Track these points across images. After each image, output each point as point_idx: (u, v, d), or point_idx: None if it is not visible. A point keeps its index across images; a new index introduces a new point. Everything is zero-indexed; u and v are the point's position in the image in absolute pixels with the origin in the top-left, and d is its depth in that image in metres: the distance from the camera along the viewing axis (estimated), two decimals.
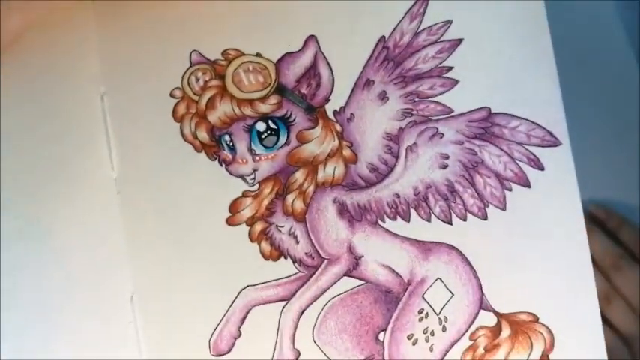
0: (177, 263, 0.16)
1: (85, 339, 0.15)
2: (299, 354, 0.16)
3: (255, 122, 0.16)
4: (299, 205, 0.16)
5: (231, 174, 0.16)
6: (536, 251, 0.16)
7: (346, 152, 0.16)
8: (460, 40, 0.16)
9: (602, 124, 0.40)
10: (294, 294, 0.16)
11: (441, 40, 0.16)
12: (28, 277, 0.15)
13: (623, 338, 0.36)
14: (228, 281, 0.16)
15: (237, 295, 0.16)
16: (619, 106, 0.40)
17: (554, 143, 0.16)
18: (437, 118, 0.16)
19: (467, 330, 0.16)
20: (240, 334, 0.16)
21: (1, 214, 0.15)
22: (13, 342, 0.15)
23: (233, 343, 0.16)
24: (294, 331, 0.16)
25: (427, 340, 0.16)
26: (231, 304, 0.16)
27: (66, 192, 0.15)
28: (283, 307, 0.16)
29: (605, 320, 0.36)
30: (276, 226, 0.16)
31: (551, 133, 0.16)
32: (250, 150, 0.16)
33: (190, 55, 0.16)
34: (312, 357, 0.16)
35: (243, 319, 0.16)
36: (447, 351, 0.16)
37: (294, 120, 0.16)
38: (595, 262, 0.37)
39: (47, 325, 0.15)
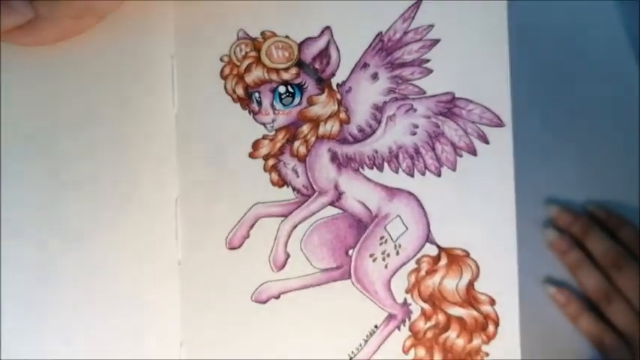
0: (212, 178, 0.22)
1: (122, 234, 0.22)
2: (289, 256, 0.22)
3: (278, 85, 0.22)
4: (302, 150, 0.22)
5: (256, 121, 0.22)
6: (474, 204, 0.21)
7: (342, 115, 0.22)
8: (437, 40, 0.22)
9: (602, 124, 0.40)
10: (290, 213, 0.22)
11: (423, 38, 0.22)
12: (87, 165, 0.22)
13: (623, 338, 0.37)
14: (244, 197, 0.22)
15: (250, 208, 0.22)
16: (619, 106, 0.40)
17: (499, 124, 0.21)
18: (413, 97, 0.22)
19: (414, 256, 0.22)
20: (249, 235, 0.22)
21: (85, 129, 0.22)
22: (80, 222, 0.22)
23: (242, 242, 0.22)
24: (287, 240, 0.22)
25: (384, 260, 0.22)
26: (245, 214, 0.22)
27: (136, 118, 0.22)
28: (282, 221, 0.22)
29: (606, 320, 0.38)
30: (284, 162, 0.22)
31: (498, 117, 0.21)
32: (272, 105, 0.22)
33: (238, 32, 0.22)
34: (298, 260, 0.22)
35: (252, 225, 0.22)
36: (397, 269, 0.22)
37: (307, 87, 0.22)
38: (595, 262, 0.39)
39: (98, 216, 0.22)
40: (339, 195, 0.22)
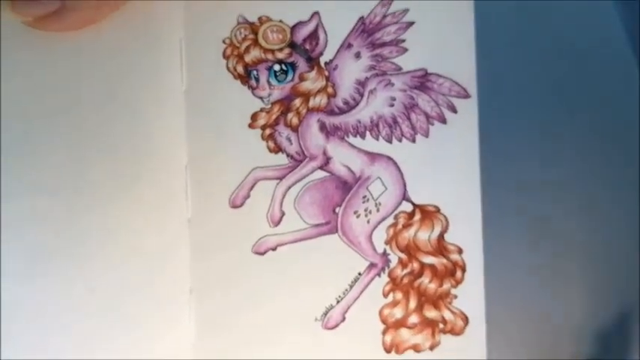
0: (217, 146, 0.25)
1: (139, 195, 0.25)
2: (284, 213, 0.25)
3: (273, 64, 0.25)
4: (295, 121, 0.25)
5: (254, 96, 0.25)
6: (444, 166, 0.24)
7: (329, 89, 0.25)
8: (412, 23, 0.24)
9: (602, 124, 0.41)
10: (285, 176, 0.25)
11: (400, 21, 0.25)
12: (108, 135, 0.25)
13: None
14: (245, 162, 0.25)
15: (250, 172, 0.25)
16: (619, 106, 0.41)
17: (466, 96, 0.24)
18: (391, 73, 0.25)
19: (392, 212, 0.25)
20: (249, 196, 0.25)
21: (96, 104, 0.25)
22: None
23: (244, 201, 0.25)
24: (282, 199, 0.25)
25: (366, 216, 0.25)
26: (246, 177, 0.25)
27: (149, 94, 0.25)
28: (277, 184, 0.25)
29: None
30: (279, 132, 0.25)
31: (465, 89, 0.24)
32: (268, 82, 0.25)
33: (238, 17, 0.25)
34: (292, 217, 0.25)
35: (252, 187, 0.25)
36: (377, 224, 0.25)
37: (298, 65, 0.25)
38: None
39: (118, 180, 0.25)
40: (327, 160, 0.25)
